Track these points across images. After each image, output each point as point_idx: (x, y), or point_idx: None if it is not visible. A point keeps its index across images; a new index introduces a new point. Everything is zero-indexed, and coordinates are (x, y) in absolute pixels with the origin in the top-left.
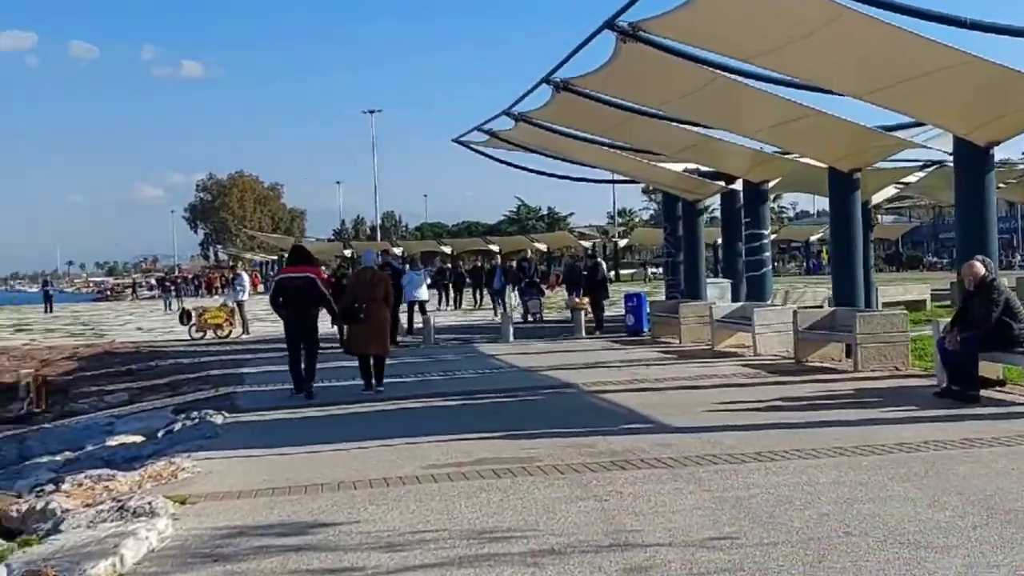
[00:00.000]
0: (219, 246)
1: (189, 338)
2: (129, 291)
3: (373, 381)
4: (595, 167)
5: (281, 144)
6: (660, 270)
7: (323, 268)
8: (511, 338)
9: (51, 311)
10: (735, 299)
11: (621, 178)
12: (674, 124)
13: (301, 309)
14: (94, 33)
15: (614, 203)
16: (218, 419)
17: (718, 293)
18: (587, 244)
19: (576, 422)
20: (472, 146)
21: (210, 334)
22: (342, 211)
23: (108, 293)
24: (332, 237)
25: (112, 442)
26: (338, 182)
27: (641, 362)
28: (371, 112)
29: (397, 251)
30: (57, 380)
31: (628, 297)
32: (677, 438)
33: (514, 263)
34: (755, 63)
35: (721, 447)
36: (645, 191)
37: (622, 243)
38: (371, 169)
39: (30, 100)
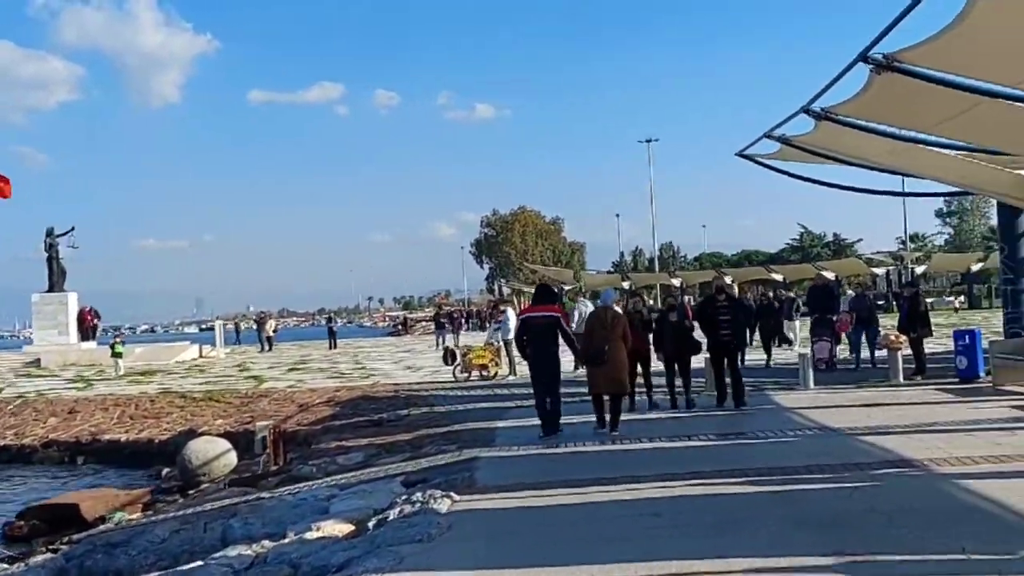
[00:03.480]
0: (503, 280)
1: (454, 379)
2: (401, 326)
3: (609, 422)
4: (908, 175)
5: (562, 179)
6: (961, 299)
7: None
8: (811, 384)
9: (335, 347)
10: None
11: (944, 189)
12: None
13: (545, 348)
14: (395, 82)
15: (905, 228)
16: (443, 505)
17: None
18: (879, 271)
19: (948, 538)
20: (758, 159)
21: (475, 375)
22: (621, 243)
23: (399, 328)
24: (611, 269)
25: (314, 532)
26: (617, 215)
27: (996, 423)
28: (647, 142)
29: (676, 282)
30: (305, 430)
31: (958, 335)
32: None
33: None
34: None
35: None
36: (939, 214)
37: (919, 270)
38: (648, 200)
39: (339, 147)
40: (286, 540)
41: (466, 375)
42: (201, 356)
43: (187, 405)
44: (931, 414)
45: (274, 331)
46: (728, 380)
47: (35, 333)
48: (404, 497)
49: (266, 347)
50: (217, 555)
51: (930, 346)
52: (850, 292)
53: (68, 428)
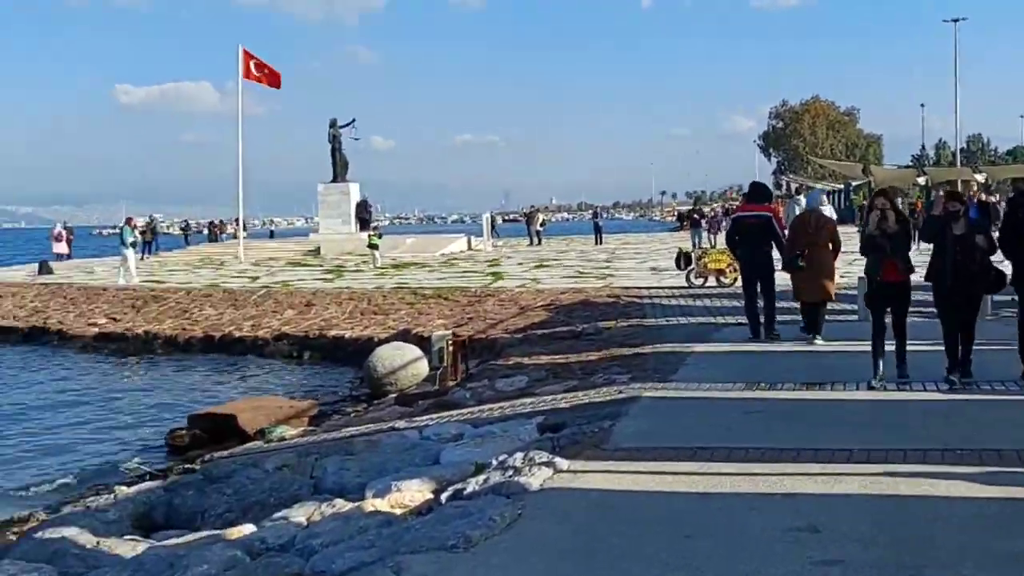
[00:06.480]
0: (791, 175)
1: (688, 285)
2: (680, 221)
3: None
4: None
5: (862, 67)
6: None
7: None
8: None
9: (600, 242)
10: None
11: None
12: None
13: (756, 249)
14: None
15: None
16: (537, 477)
17: None
18: None
19: None
20: None
21: (712, 280)
22: (924, 136)
23: (683, 223)
24: (909, 164)
25: (387, 497)
26: (922, 105)
27: None
28: (954, 21)
29: (980, 178)
30: (506, 338)
31: None
32: None
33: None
34: None
35: None
36: None
37: None
38: (953, 88)
39: (640, 37)
40: (344, 509)
41: (701, 281)
42: (469, 248)
43: (416, 302)
44: None
45: (542, 225)
46: None
47: (320, 222)
48: (503, 457)
49: (535, 241)
50: (277, 516)
51: None
52: None
53: (301, 322)
